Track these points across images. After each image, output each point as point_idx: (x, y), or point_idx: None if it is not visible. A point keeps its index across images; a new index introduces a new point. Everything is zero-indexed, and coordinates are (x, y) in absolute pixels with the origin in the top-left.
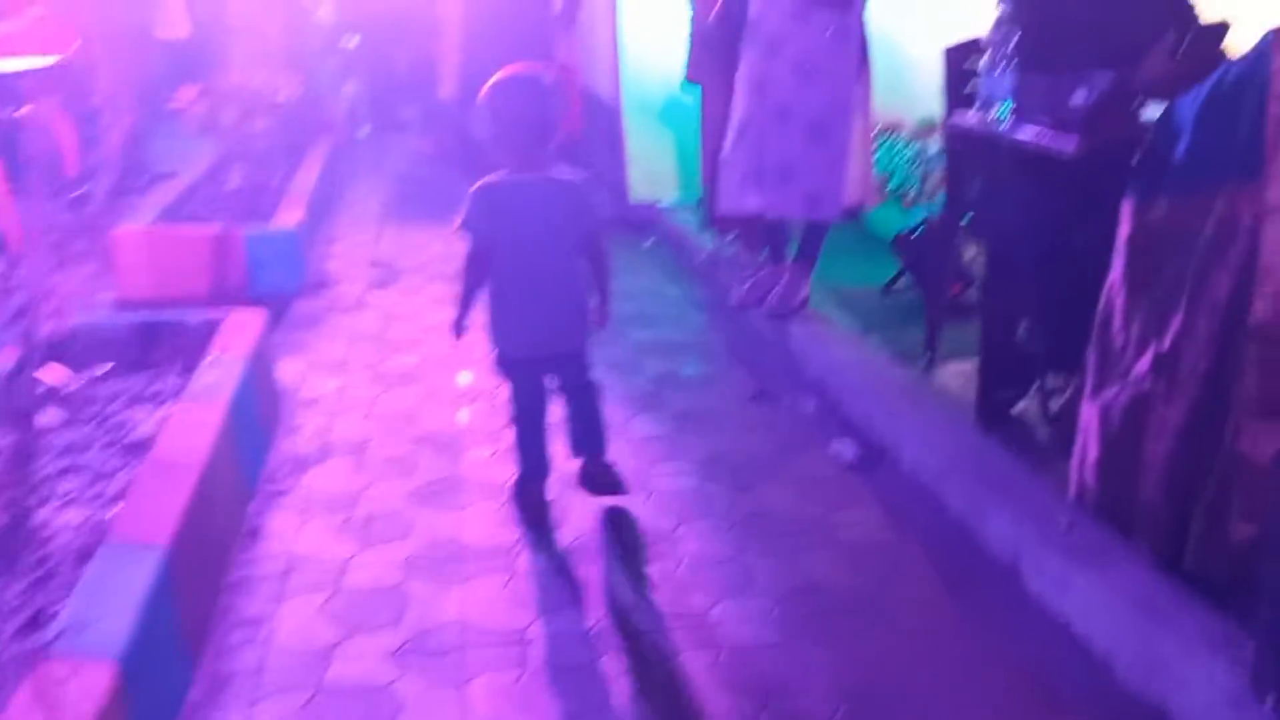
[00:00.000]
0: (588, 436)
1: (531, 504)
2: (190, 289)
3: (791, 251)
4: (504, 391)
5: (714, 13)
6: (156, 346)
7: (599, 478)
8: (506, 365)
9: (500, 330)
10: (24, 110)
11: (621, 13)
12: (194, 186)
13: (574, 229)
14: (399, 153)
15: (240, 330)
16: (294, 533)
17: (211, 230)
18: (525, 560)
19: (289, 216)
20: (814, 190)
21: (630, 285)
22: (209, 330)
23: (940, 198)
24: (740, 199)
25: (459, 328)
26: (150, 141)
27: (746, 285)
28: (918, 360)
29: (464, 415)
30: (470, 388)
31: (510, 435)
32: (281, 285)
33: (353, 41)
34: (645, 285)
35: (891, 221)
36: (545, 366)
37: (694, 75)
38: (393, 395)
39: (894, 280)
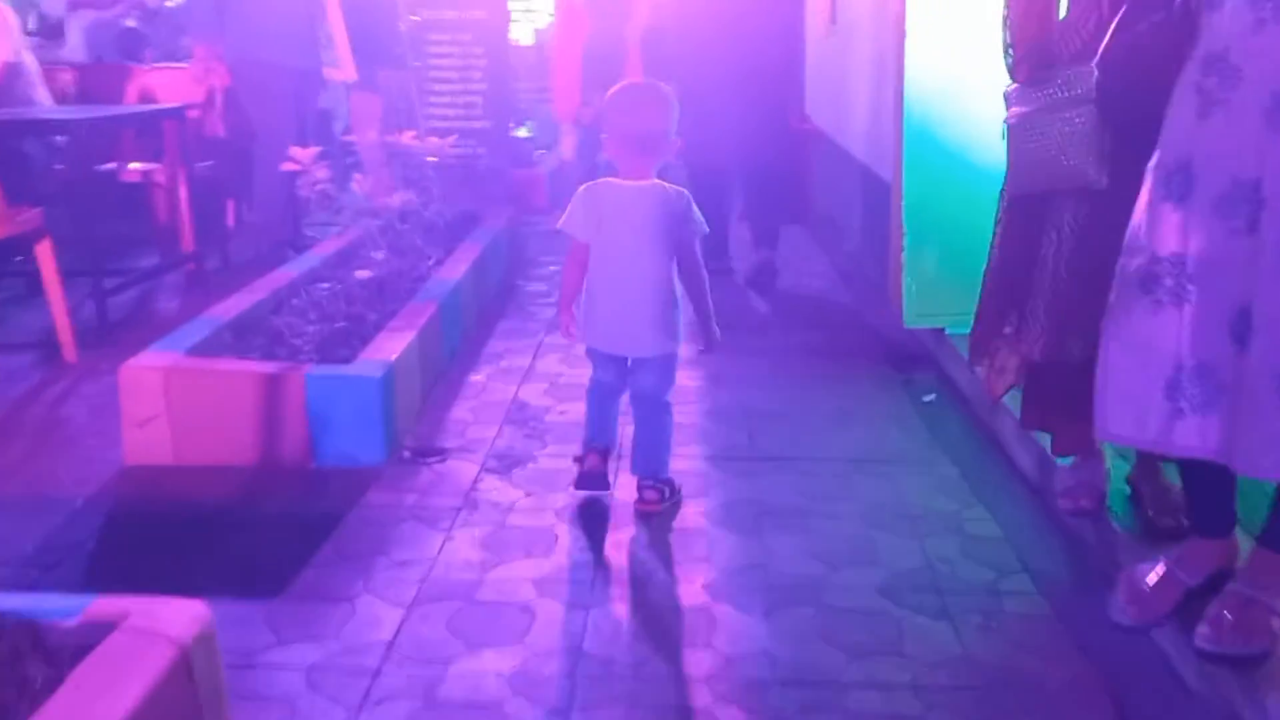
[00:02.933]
0: (649, 455)
1: (592, 478)
2: (227, 454)
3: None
4: None
5: (1106, 43)
6: None
7: (646, 499)
8: (594, 357)
9: (589, 323)
10: (137, 167)
11: (910, 66)
12: (304, 279)
13: (669, 236)
14: None
15: (127, 662)
16: None
17: (260, 369)
18: None
19: (385, 348)
20: None
21: (892, 493)
22: (84, 644)
23: None
24: (1165, 426)
25: (567, 330)
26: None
27: (1151, 577)
28: None
29: None
30: None
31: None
32: (356, 455)
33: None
34: (920, 498)
35: None
36: (631, 367)
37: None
38: None
39: None
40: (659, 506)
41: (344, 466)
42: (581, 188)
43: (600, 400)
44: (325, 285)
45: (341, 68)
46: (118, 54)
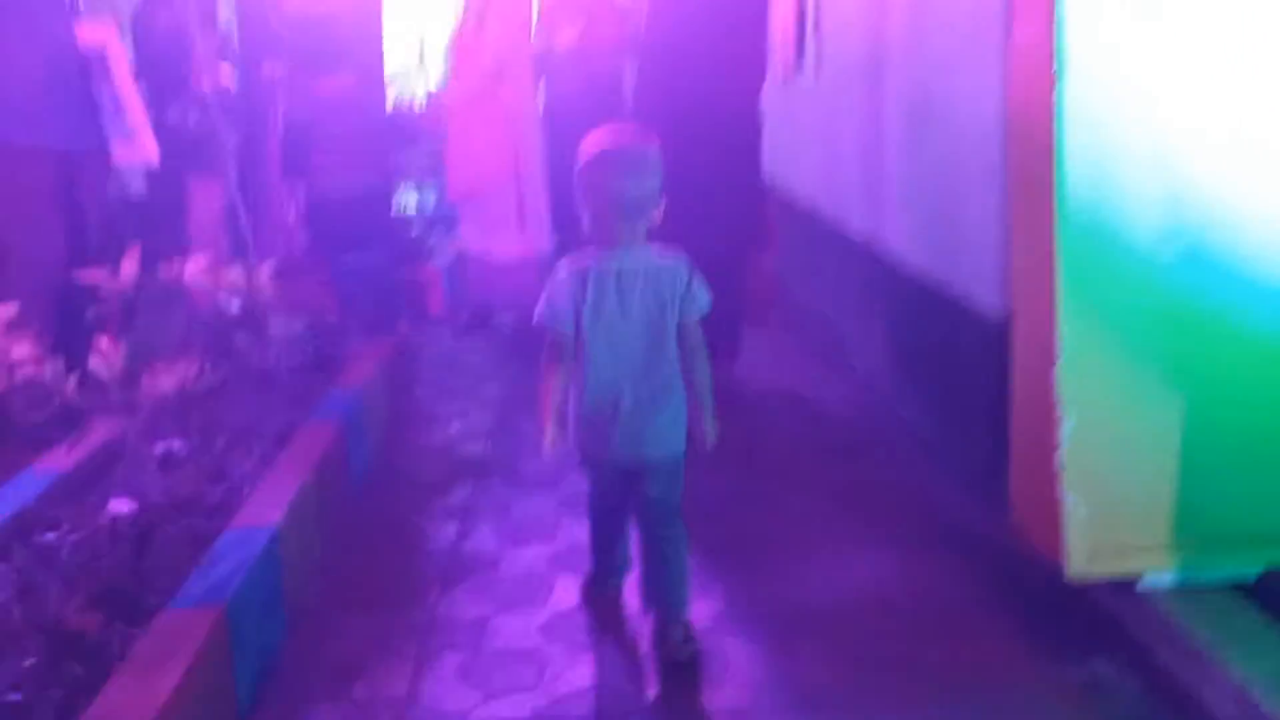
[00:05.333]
0: (665, 587)
1: (603, 601)
2: None
3: None
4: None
5: None
6: None
7: (673, 641)
8: (593, 472)
9: (583, 427)
10: None
11: (1075, 137)
12: (8, 527)
13: (670, 317)
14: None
15: None
16: None
17: None
18: None
19: None
20: None
21: None
22: None
23: None
24: None
25: (549, 441)
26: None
27: None
28: None
29: None
30: None
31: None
32: None
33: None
34: None
35: None
36: (636, 476)
37: None
38: None
39: None
40: (692, 647)
41: None
42: (561, 264)
43: (607, 521)
44: (51, 535)
45: (136, 145)
46: None
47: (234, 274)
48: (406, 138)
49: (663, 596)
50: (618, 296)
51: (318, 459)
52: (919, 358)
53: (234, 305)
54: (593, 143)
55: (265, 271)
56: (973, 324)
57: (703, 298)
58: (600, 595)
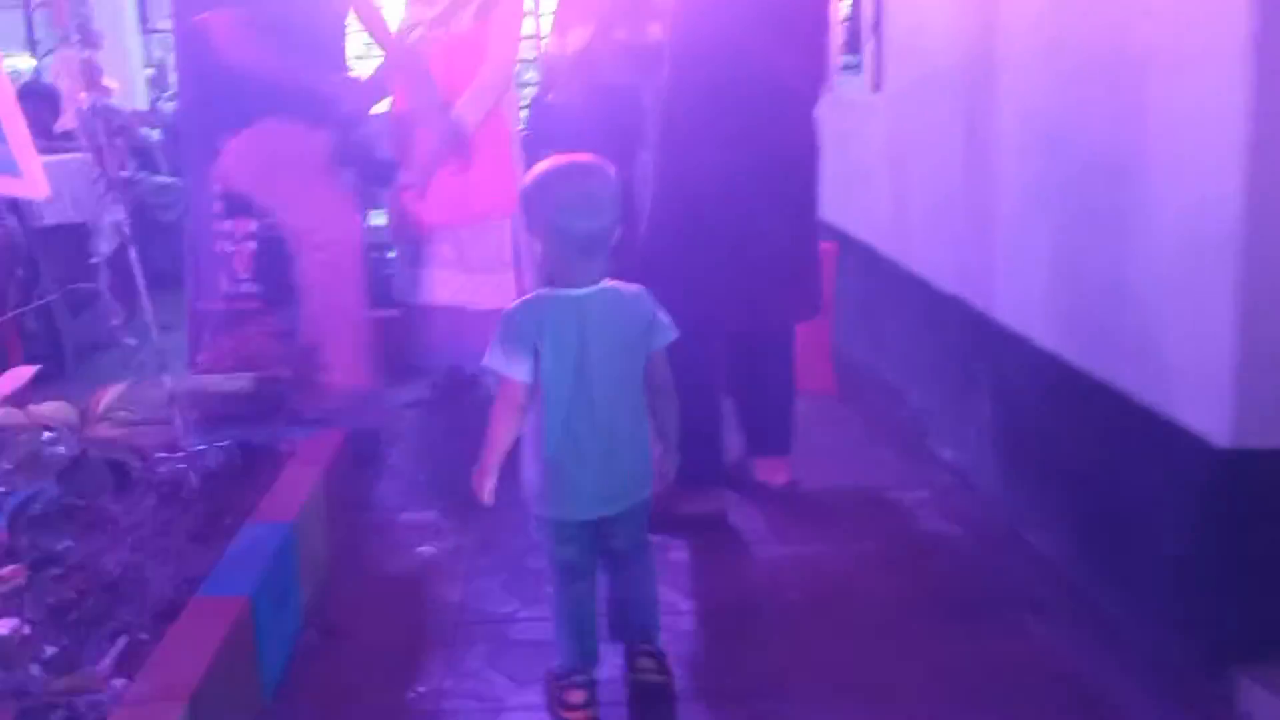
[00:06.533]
0: (637, 614)
1: (577, 706)
2: None
3: None
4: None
5: None
6: None
7: (647, 669)
8: (555, 530)
9: (549, 487)
10: None
11: None
12: None
13: (637, 352)
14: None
15: None
16: None
17: None
18: None
19: None
20: None
21: None
22: None
23: None
24: None
25: (485, 489)
26: None
27: None
28: None
29: None
30: None
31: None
32: None
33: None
34: None
35: None
36: (601, 528)
37: None
38: None
39: None
40: (665, 677)
41: None
42: (515, 304)
43: (576, 601)
44: None
45: (24, 178)
46: None
47: (56, 408)
48: (383, 171)
49: (633, 621)
50: (579, 337)
51: (198, 683)
52: (1060, 468)
53: (59, 446)
54: (541, 170)
55: (108, 397)
56: (1170, 447)
57: (668, 327)
58: (569, 693)
